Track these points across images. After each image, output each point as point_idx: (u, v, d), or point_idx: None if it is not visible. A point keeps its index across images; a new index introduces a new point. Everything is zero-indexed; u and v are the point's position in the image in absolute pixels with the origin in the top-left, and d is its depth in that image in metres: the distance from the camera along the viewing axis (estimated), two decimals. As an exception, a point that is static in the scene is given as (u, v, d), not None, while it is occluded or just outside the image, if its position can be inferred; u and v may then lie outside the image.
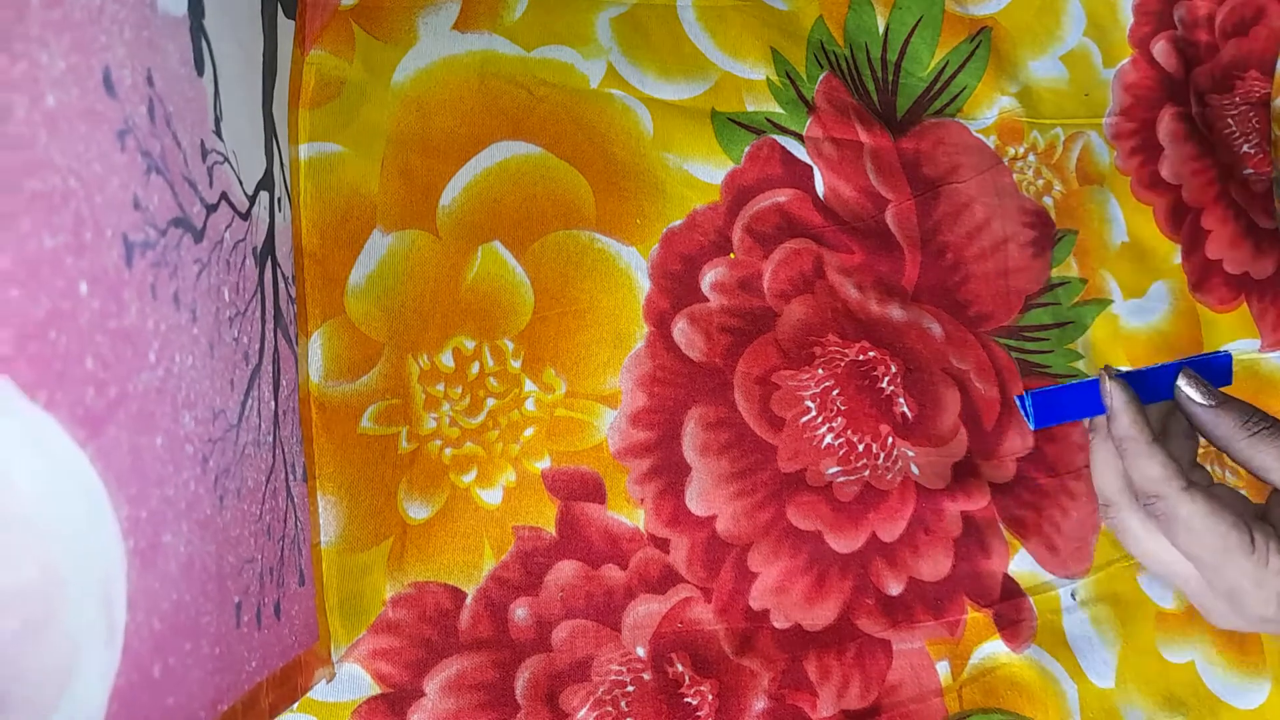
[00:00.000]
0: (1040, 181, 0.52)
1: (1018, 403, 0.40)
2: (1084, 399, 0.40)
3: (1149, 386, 0.39)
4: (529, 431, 0.44)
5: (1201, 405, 0.38)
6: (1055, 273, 0.51)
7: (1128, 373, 0.39)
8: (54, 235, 0.20)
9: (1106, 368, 0.40)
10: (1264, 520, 0.38)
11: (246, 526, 0.31)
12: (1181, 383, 0.39)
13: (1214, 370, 0.40)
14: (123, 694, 0.23)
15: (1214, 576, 0.37)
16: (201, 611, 0.27)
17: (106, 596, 0.22)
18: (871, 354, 0.47)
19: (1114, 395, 0.38)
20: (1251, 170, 0.55)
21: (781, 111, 0.49)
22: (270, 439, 0.35)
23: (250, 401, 0.32)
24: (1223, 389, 0.40)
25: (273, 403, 0.36)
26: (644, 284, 0.46)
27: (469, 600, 0.43)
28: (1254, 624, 0.38)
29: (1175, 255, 0.54)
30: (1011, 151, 0.52)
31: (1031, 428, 0.43)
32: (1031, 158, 0.52)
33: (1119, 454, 0.38)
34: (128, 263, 0.23)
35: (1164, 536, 0.38)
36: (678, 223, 0.47)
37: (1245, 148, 0.54)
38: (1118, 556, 0.50)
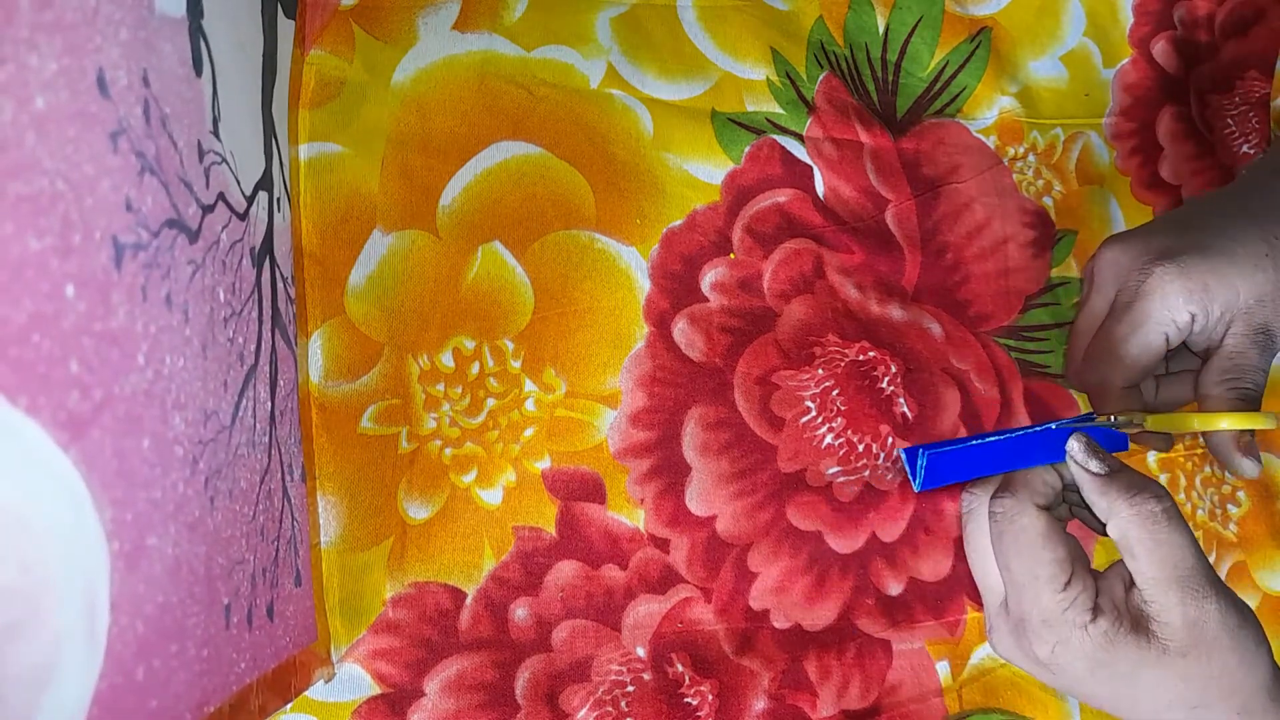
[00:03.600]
0: (1040, 181, 0.52)
1: (903, 458, 0.39)
2: (976, 460, 0.38)
3: (1030, 451, 0.38)
4: (529, 431, 0.44)
5: (1091, 473, 0.37)
6: (1055, 273, 0.51)
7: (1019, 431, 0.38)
8: (40, 238, 0.20)
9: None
10: (1093, 574, 0.37)
11: (238, 528, 0.31)
12: (1073, 447, 0.38)
13: (1110, 437, 0.40)
14: (104, 697, 0.22)
15: (1015, 596, 0.36)
16: (188, 614, 0.27)
17: (89, 599, 0.22)
18: (871, 354, 0.47)
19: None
20: (1252, 170, 0.55)
21: (781, 111, 0.49)
22: (266, 439, 0.35)
23: (245, 402, 0.32)
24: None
25: (269, 403, 0.36)
26: (644, 284, 0.46)
27: (469, 600, 0.43)
28: (1026, 660, 0.37)
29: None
30: (1011, 151, 0.52)
31: (916, 489, 0.42)
32: (1031, 158, 0.52)
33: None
34: (117, 265, 0.23)
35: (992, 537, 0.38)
36: (678, 223, 0.47)
37: (1245, 148, 0.54)
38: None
